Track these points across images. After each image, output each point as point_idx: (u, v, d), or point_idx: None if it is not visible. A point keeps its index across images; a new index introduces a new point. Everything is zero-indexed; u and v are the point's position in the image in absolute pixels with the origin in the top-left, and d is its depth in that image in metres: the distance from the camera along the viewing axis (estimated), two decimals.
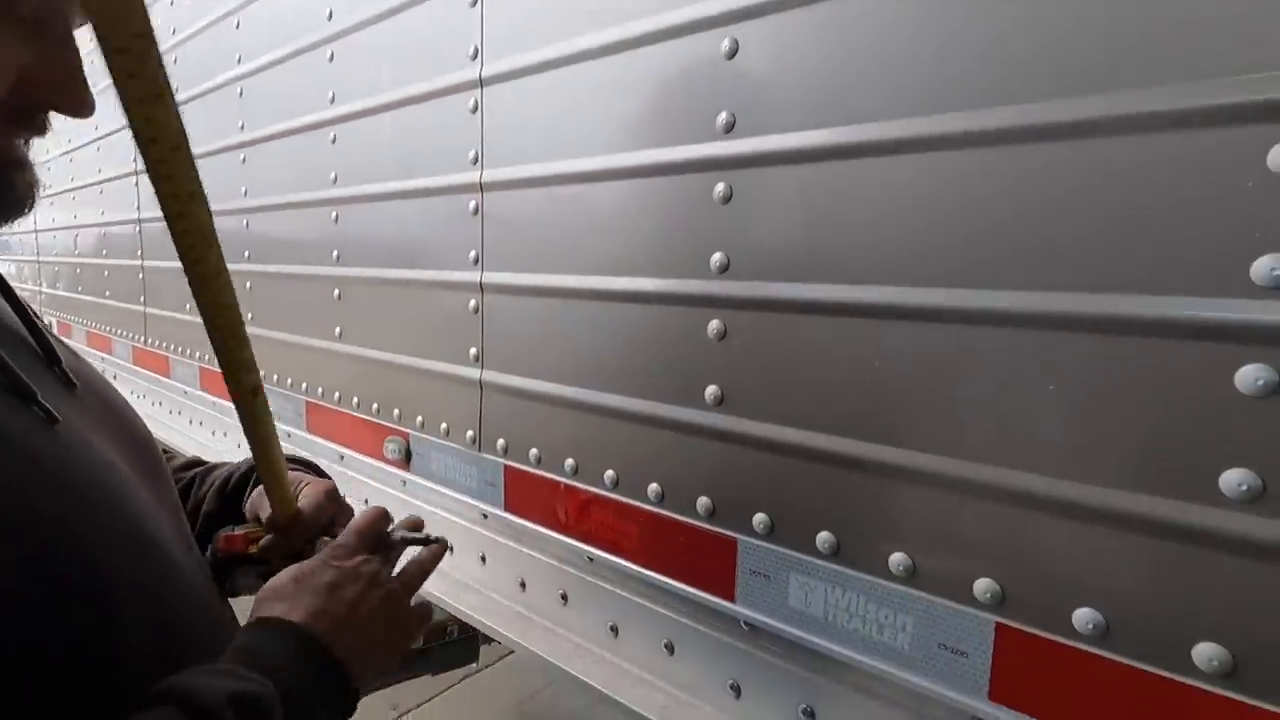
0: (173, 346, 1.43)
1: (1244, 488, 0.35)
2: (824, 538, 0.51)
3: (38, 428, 0.35)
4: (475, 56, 0.72)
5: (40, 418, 0.36)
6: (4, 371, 0.35)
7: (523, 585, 0.78)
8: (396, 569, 0.50)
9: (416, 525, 0.55)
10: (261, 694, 0.36)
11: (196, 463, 0.65)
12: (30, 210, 0.36)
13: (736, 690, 0.59)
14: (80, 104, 0.37)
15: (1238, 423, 0.35)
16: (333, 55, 0.92)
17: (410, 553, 0.52)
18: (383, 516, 0.52)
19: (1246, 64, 0.34)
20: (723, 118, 0.53)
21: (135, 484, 0.39)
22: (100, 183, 1.67)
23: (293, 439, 1.12)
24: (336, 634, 0.42)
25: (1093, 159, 0.38)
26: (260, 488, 0.57)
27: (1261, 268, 0.34)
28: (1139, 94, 0.37)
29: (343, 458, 1.02)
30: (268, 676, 0.37)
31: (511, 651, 0.77)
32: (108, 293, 1.71)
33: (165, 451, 0.55)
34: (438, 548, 0.53)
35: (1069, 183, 0.39)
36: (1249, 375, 0.34)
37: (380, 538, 0.51)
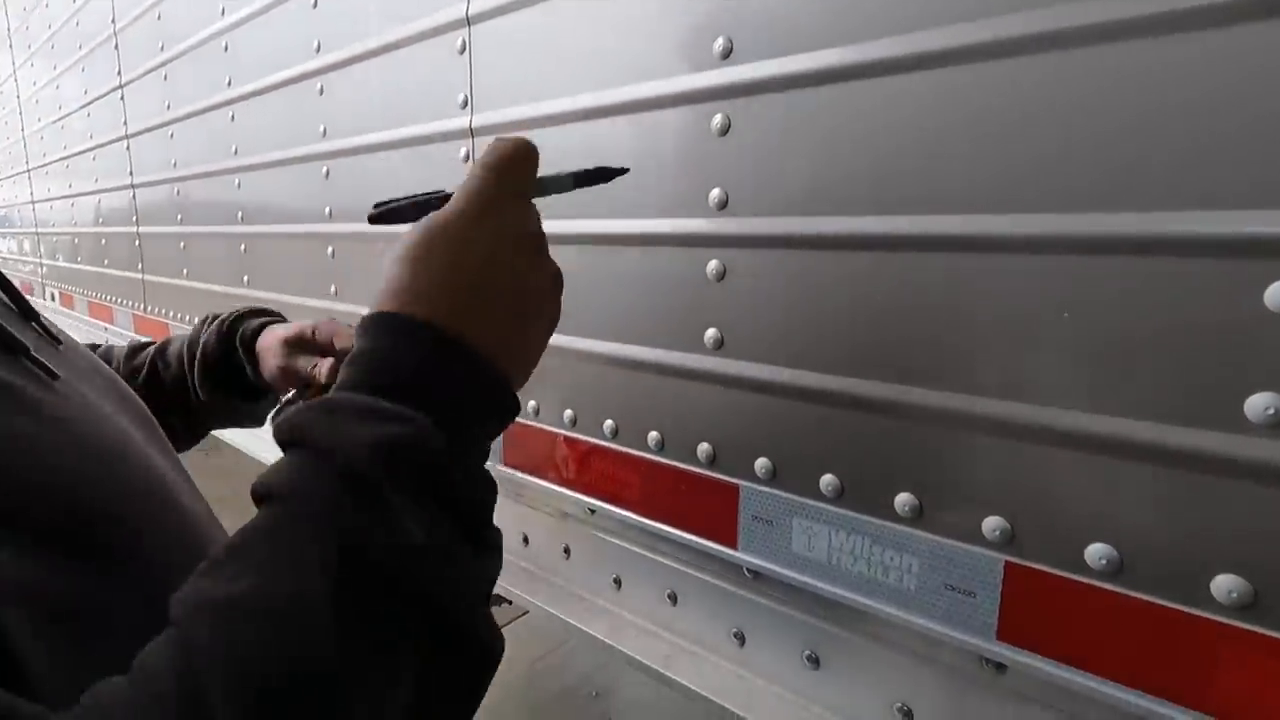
0: (171, 313, 1.42)
1: (1271, 411, 0.33)
2: (827, 480, 0.49)
3: (35, 383, 0.31)
4: None
5: (36, 374, 0.32)
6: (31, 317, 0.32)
7: (525, 540, 0.78)
8: None
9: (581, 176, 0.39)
10: (421, 438, 0.28)
11: (138, 349, 0.65)
12: None
13: (740, 638, 0.59)
14: None
15: (1269, 343, 0.33)
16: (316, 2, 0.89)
17: None
18: (529, 150, 0.36)
19: None
20: (719, 43, 0.50)
21: (139, 439, 0.37)
22: (92, 149, 1.65)
23: None
24: (492, 335, 0.32)
25: (1104, 61, 0.36)
26: (272, 328, 0.61)
27: None
28: None
29: None
30: (413, 403, 0.29)
31: (523, 613, 0.77)
32: (106, 261, 1.70)
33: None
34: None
35: (1085, 88, 0.37)
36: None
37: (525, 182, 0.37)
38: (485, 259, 0.33)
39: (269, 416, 0.67)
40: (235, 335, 0.62)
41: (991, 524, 0.42)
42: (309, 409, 0.29)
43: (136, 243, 1.51)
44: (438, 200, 0.37)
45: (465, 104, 0.71)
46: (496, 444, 0.76)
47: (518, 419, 0.71)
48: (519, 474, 0.75)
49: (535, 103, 0.64)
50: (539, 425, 0.71)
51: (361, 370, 0.30)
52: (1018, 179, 0.39)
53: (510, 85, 0.67)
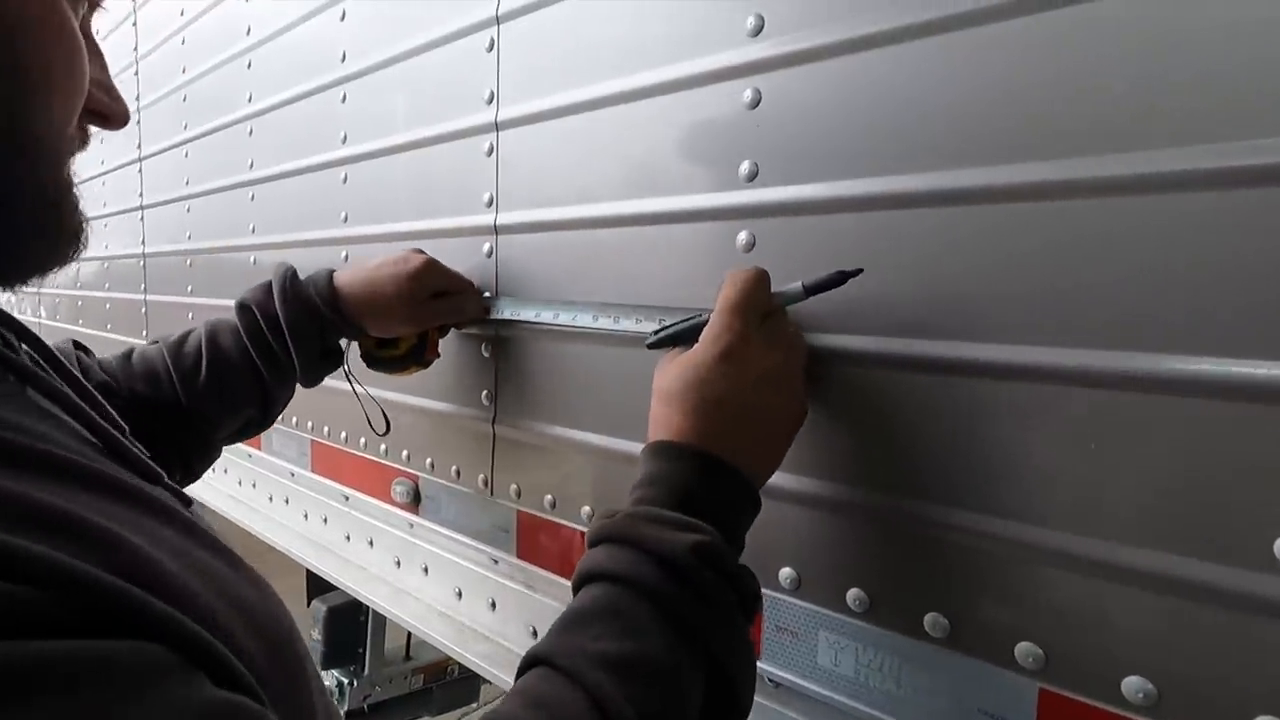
0: None
1: None
2: (854, 594, 0.49)
3: (184, 509, 0.32)
4: None
5: (175, 499, 0.32)
6: (123, 453, 0.33)
7: (534, 633, 0.76)
8: None
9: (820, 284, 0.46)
10: (716, 543, 0.39)
11: (176, 353, 0.65)
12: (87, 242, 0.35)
13: None
14: (121, 106, 0.36)
15: None
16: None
17: None
18: (764, 281, 0.46)
19: None
20: (751, 21, 0.52)
21: None
22: (104, 216, 1.67)
23: (296, 478, 1.11)
24: (744, 453, 0.43)
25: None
26: (350, 272, 0.65)
27: None
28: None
29: (348, 499, 1.01)
30: (705, 518, 0.40)
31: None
32: (109, 326, 1.70)
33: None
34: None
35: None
36: None
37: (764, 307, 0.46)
38: (733, 398, 0.44)
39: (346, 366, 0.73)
40: (312, 298, 0.64)
41: (1024, 649, 0.42)
42: (632, 518, 0.40)
43: (144, 310, 1.52)
44: (701, 327, 0.47)
45: (491, 202, 0.74)
46: (511, 536, 0.76)
47: (533, 511, 0.72)
48: (531, 567, 0.74)
49: (559, 212, 0.67)
50: (554, 519, 0.71)
51: (664, 490, 0.41)
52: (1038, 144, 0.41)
53: (535, 191, 0.69)
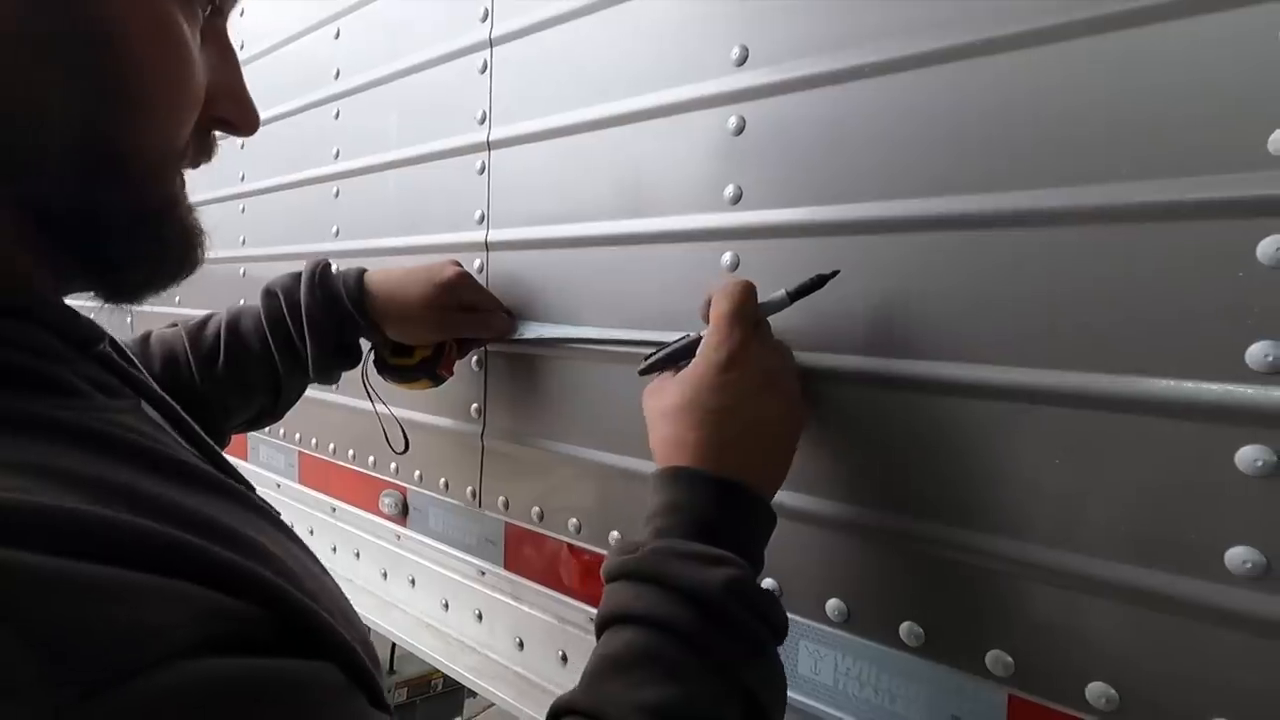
0: None
1: (1248, 565, 0.36)
2: (833, 605, 0.51)
3: (282, 521, 0.33)
4: None
5: (270, 513, 0.33)
6: (220, 462, 0.33)
7: (520, 644, 0.77)
8: None
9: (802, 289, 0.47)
10: (746, 575, 0.38)
11: (196, 336, 0.65)
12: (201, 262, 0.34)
13: None
14: (250, 114, 0.34)
15: (1240, 502, 0.36)
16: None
17: None
18: (754, 291, 0.46)
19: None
20: (735, 52, 0.54)
21: None
22: None
23: (283, 489, 1.11)
24: (756, 469, 0.43)
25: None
26: (384, 273, 0.65)
27: (1256, 354, 0.35)
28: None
29: (335, 510, 1.01)
30: (729, 547, 0.39)
31: (493, 704, 0.75)
32: None
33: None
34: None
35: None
36: (1248, 455, 0.36)
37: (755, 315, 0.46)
38: (738, 406, 0.43)
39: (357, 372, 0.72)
40: (339, 292, 0.64)
41: (995, 657, 0.44)
42: (657, 553, 0.39)
43: (129, 320, 1.52)
44: (694, 345, 0.47)
45: (482, 219, 0.75)
46: (498, 548, 0.77)
47: (520, 523, 0.72)
48: (519, 578, 0.75)
49: (550, 230, 0.69)
50: (543, 531, 0.72)
51: (684, 520, 0.40)
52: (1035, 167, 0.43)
53: (526, 210, 0.71)
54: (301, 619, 0.23)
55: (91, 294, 0.32)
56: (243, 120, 0.34)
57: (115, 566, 0.19)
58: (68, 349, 0.29)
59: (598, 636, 0.40)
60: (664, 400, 0.46)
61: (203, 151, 0.33)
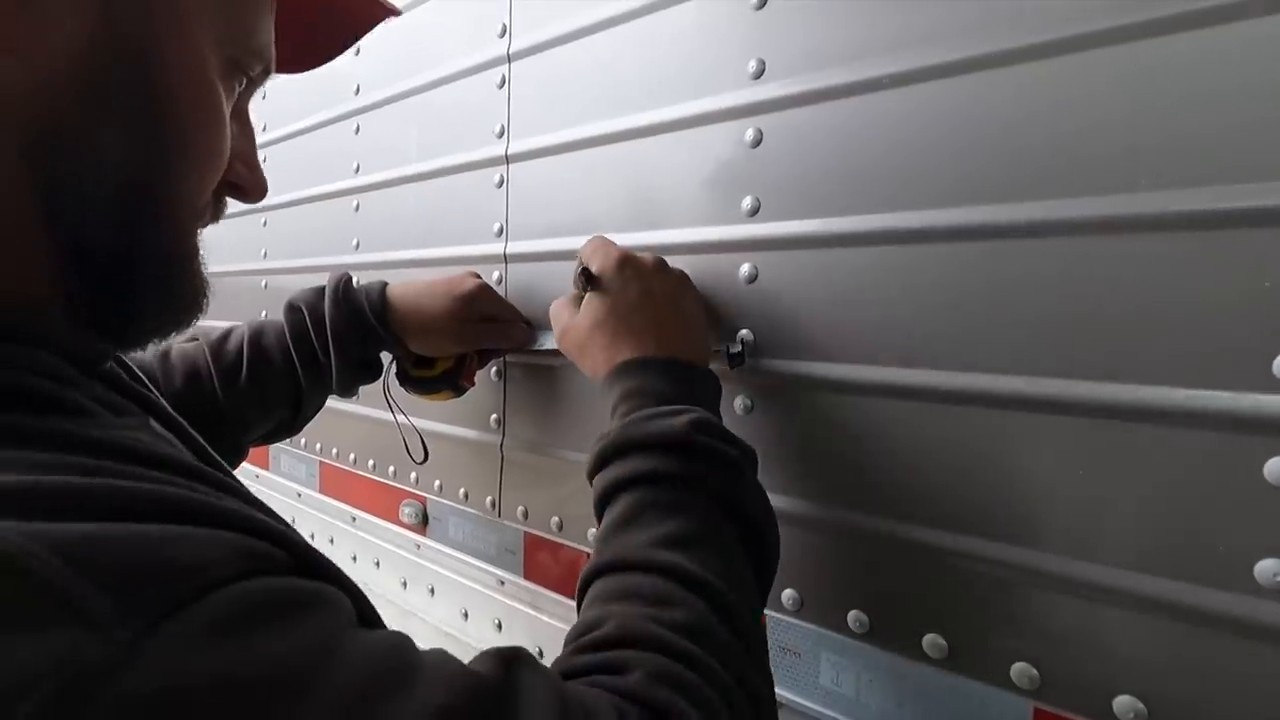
0: None
1: (1278, 577, 0.35)
2: (855, 616, 0.51)
3: None
4: None
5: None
6: (227, 476, 0.35)
7: (540, 654, 0.77)
8: None
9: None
10: (705, 415, 0.44)
11: (217, 350, 0.66)
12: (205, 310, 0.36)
13: None
14: (260, 182, 0.37)
15: (1272, 514, 0.36)
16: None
17: None
18: (603, 238, 0.57)
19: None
20: (752, 65, 0.55)
21: None
22: None
23: (304, 499, 1.12)
24: (682, 343, 0.50)
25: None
26: (408, 286, 0.68)
27: None
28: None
29: (355, 519, 1.02)
30: (684, 401, 0.45)
31: None
32: None
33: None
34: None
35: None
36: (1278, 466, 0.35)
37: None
38: (639, 300, 0.51)
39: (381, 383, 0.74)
40: (362, 305, 0.66)
41: (1020, 670, 0.44)
42: (625, 427, 0.44)
43: None
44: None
45: (501, 232, 0.76)
46: (517, 558, 0.77)
47: (540, 533, 0.73)
48: (538, 588, 0.75)
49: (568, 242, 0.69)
50: (561, 541, 0.72)
51: (643, 398, 0.46)
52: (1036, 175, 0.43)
53: (544, 222, 0.72)
54: (308, 557, 0.28)
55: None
56: (253, 186, 0.37)
57: (162, 524, 0.23)
58: (75, 371, 0.30)
59: (598, 520, 0.44)
60: (579, 327, 0.53)
61: (217, 212, 0.36)
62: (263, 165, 0.41)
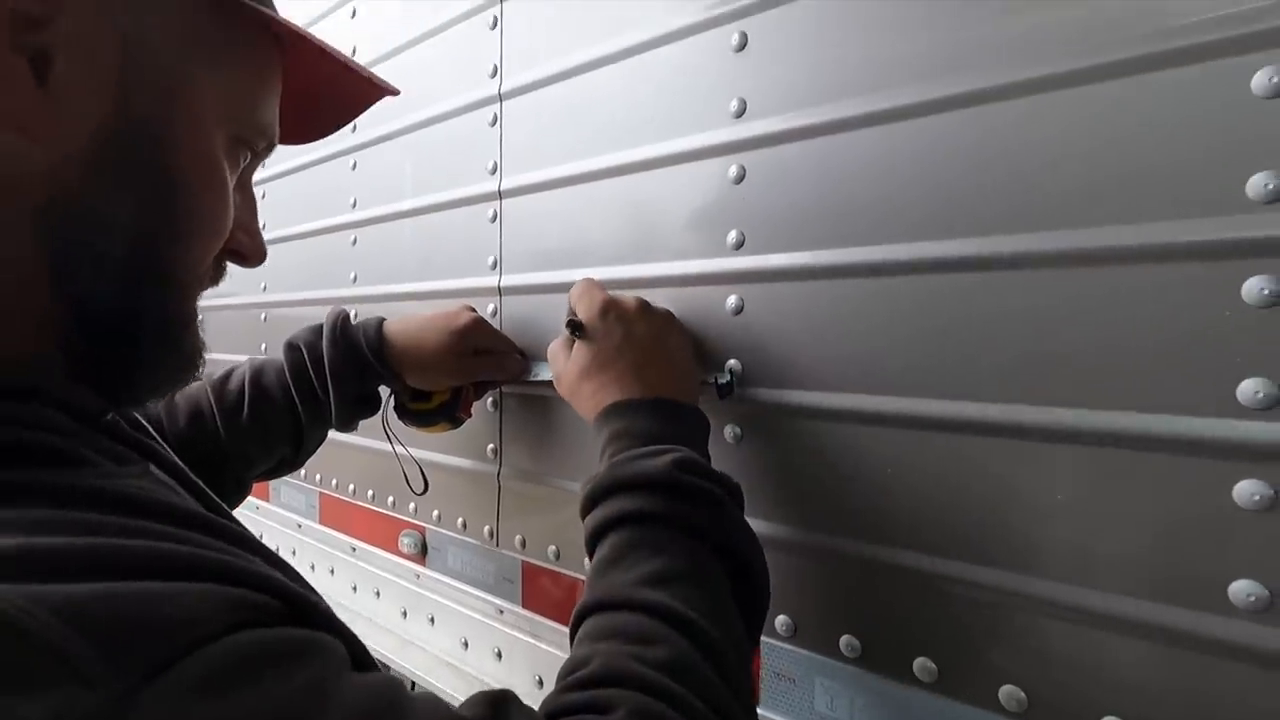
0: None
1: (1252, 598, 0.36)
2: (847, 641, 0.51)
3: None
4: None
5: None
6: (227, 520, 0.36)
7: (540, 682, 0.78)
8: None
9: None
10: (688, 455, 0.45)
11: (219, 391, 0.67)
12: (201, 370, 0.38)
13: None
14: (260, 248, 0.39)
15: (1243, 535, 0.37)
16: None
17: None
18: (592, 280, 0.60)
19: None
20: (734, 105, 0.57)
21: None
22: None
23: (304, 529, 1.13)
24: (669, 382, 0.52)
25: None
26: (404, 321, 0.69)
27: (1246, 390, 0.36)
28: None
29: (355, 550, 1.03)
30: (670, 444, 0.46)
31: None
32: None
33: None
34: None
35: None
36: (1245, 490, 0.37)
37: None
38: (627, 342, 0.53)
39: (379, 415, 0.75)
40: (359, 343, 0.68)
41: (1008, 692, 0.44)
42: (611, 468, 0.46)
43: None
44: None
45: (495, 265, 0.78)
46: (516, 587, 0.78)
47: (538, 562, 0.73)
48: (537, 617, 0.76)
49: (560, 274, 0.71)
50: (559, 569, 0.73)
51: (630, 439, 0.48)
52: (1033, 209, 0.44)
53: (537, 255, 0.74)
54: (302, 604, 0.28)
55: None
56: (253, 252, 0.39)
57: (155, 581, 0.24)
58: (76, 424, 0.32)
59: (590, 558, 0.45)
60: (570, 374, 0.55)
61: (217, 277, 0.38)
62: (262, 200, 0.43)
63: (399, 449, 0.79)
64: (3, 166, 0.28)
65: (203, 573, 0.26)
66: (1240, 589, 0.37)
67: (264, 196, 1.17)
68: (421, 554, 0.90)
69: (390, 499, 0.93)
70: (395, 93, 0.45)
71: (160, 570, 0.25)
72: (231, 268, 0.40)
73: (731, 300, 0.57)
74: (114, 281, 0.31)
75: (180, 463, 0.38)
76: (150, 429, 0.40)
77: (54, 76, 0.28)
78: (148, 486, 0.31)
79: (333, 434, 0.76)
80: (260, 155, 0.38)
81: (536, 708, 0.33)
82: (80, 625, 0.21)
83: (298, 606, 0.28)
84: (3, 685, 0.20)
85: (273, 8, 0.36)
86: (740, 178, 0.57)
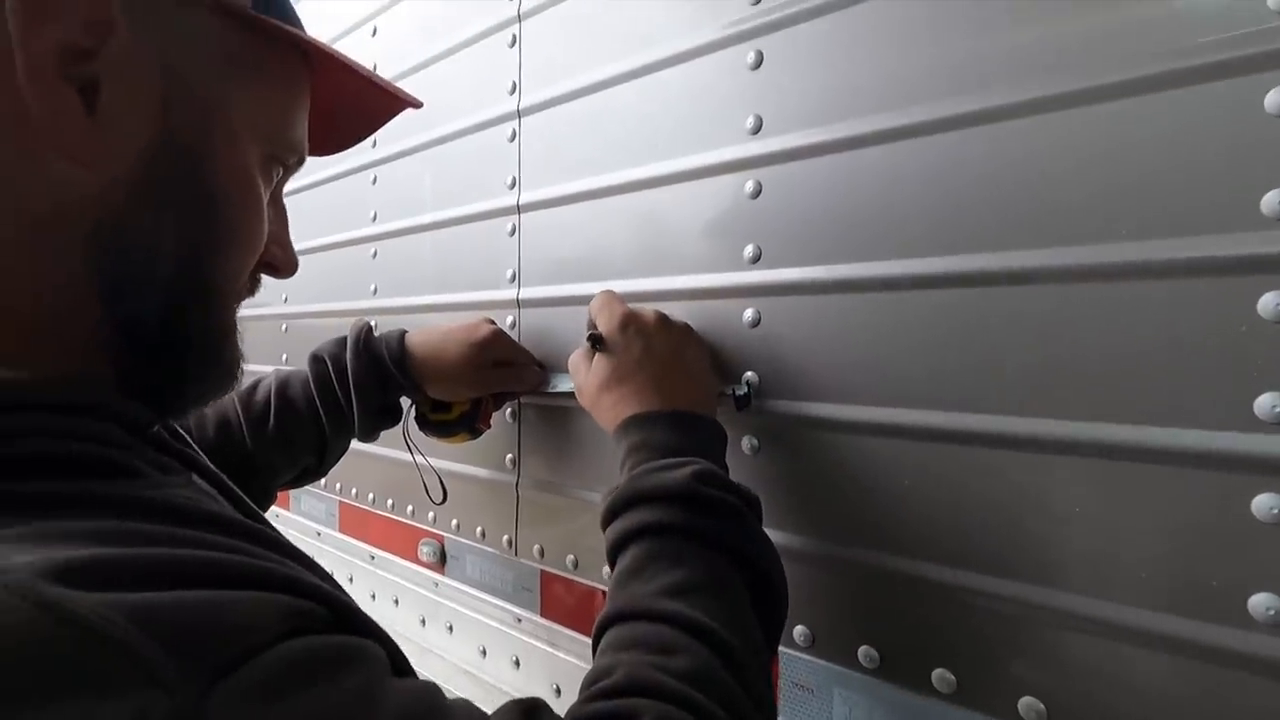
0: None
1: (1272, 612, 0.37)
2: (865, 651, 0.52)
3: None
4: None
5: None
6: (265, 526, 0.37)
7: (558, 691, 0.78)
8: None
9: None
10: (707, 467, 0.46)
11: (247, 401, 0.69)
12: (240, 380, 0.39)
13: None
14: (292, 260, 0.41)
15: (1263, 548, 0.37)
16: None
17: None
18: (612, 293, 0.60)
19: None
20: (750, 121, 0.58)
21: None
22: None
23: (323, 538, 1.14)
24: (687, 394, 0.53)
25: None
26: (425, 333, 0.70)
27: (1264, 405, 0.37)
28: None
29: (374, 558, 1.04)
30: (689, 455, 0.47)
31: None
32: None
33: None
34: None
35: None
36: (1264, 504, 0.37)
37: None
38: (647, 354, 0.54)
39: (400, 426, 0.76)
40: (382, 355, 0.69)
41: (1027, 704, 0.45)
42: (631, 480, 0.47)
43: None
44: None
45: (514, 278, 0.79)
46: (534, 595, 0.79)
47: (556, 570, 0.74)
48: (555, 625, 0.77)
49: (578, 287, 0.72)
50: (576, 578, 0.74)
51: (649, 450, 0.49)
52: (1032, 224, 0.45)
53: (555, 269, 0.75)
54: (349, 614, 0.30)
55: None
56: (286, 264, 0.41)
57: (212, 589, 0.25)
58: (127, 436, 0.33)
59: (611, 569, 0.46)
60: (591, 386, 0.56)
61: (253, 288, 0.40)
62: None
63: (419, 459, 0.80)
64: (57, 195, 0.29)
65: (254, 580, 0.27)
66: (1260, 602, 0.37)
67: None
68: (440, 562, 0.91)
69: (409, 508, 0.95)
70: (418, 104, 0.46)
71: (217, 579, 0.26)
72: (263, 279, 0.41)
73: (749, 313, 0.58)
74: (160, 299, 0.33)
75: (219, 471, 0.40)
76: (189, 439, 0.41)
77: (101, 104, 0.29)
78: (193, 496, 0.33)
79: (352, 444, 0.77)
80: (291, 169, 0.39)
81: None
82: (154, 631, 0.22)
83: (341, 612, 0.29)
84: (85, 689, 0.21)
85: (300, 26, 0.37)
86: (757, 193, 0.58)
